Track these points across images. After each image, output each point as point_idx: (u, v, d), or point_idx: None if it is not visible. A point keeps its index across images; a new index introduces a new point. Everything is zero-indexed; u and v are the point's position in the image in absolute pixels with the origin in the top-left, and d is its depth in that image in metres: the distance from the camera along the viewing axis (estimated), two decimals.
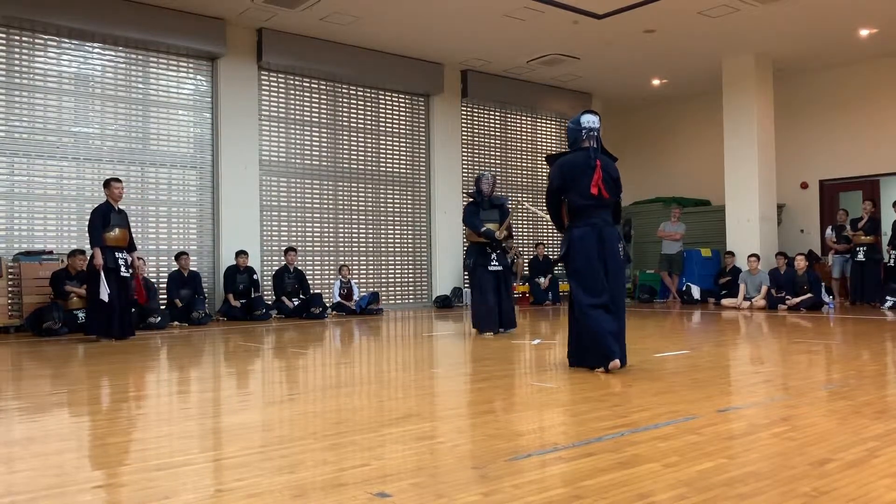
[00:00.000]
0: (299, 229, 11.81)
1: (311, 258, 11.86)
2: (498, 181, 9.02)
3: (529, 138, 14.89)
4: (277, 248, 11.42)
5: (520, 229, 14.36)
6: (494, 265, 7.82)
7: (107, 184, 7.97)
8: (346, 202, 12.32)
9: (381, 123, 12.76)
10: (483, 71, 13.39)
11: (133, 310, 8.34)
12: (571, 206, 5.01)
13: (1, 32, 9.36)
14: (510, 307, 7.96)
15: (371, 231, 12.62)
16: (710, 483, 2.47)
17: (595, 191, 4.86)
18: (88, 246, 8.04)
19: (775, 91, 12.99)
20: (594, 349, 4.82)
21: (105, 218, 7.69)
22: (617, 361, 4.79)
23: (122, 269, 7.73)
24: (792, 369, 5.34)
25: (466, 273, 8.38)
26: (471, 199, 8.19)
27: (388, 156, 12.83)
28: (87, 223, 7.90)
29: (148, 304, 8.92)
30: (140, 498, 2.42)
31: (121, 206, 7.99)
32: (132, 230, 8.08)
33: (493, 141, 14.30)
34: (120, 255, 7.74)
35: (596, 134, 5.02)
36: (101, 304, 7.51)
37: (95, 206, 7.94)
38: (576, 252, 4.93)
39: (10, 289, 8.86)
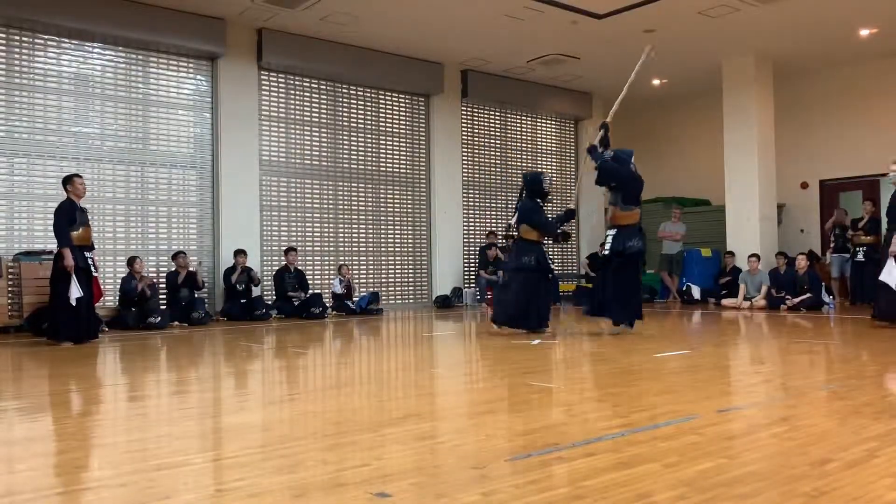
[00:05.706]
0: (299, 229, 11.81)
1: (311, 258, 11.86)
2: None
3: (529, 138, 14.88)
4: (277, 248, 11.41)
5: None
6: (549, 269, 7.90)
7: (69, 179, 7.51)
8: (346, 202, 12.31)
9: (381, 123, 12.75)
10: (483, 71, 13.38)
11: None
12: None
13: (1, 32, 9.36)
14: (547, 307, 7.82)
15: (371, 231, 12.61)
16: (710, 483, 2.47)
17: None
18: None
19: (775, 91, 12.98)
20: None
21: (70, 216, 7.30)
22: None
23: (92, 268, 7.44)
24: (792, 369, 5.34)
25: (512, 269, 7.86)
26: (535, 200, 7.87)
27: (388, 156, 12.83)
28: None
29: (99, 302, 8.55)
30: (140, 498, 2.42)
31: (83, 204, 7.59)
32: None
33: (493, 141, 14.29)
34: (88, 254, 7.42)
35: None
36: (68, 306, 7.15)
37: (58, 203, 7.47)
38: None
39: (9, 289, 8.84)
